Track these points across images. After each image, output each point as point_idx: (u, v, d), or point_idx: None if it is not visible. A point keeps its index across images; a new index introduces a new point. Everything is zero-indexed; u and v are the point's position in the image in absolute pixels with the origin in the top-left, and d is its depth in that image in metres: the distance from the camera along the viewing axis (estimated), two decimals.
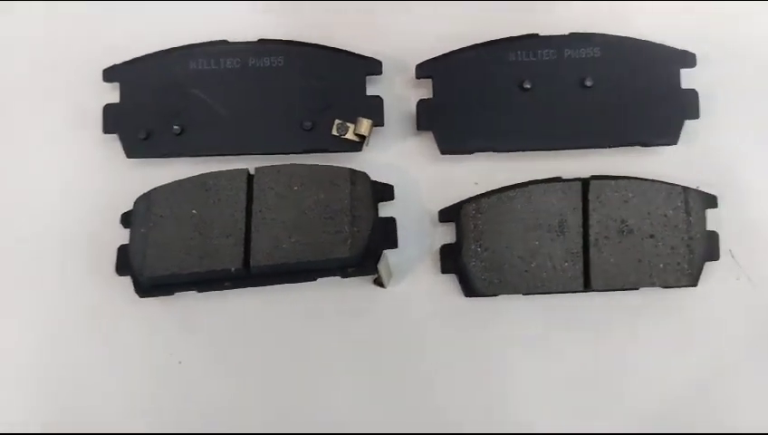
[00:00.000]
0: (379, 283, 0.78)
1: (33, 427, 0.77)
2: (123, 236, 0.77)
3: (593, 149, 0.80)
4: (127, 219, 0.78)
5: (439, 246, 0.79)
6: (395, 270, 0.78)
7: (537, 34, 0.80)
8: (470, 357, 0.78)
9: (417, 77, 0.80)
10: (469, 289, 0.77)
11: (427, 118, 0.80)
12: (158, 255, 0.74)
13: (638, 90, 0.79)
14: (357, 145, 0.79)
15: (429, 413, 0.77)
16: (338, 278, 0.75)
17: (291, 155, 0.80)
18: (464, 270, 0.76)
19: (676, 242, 0.75)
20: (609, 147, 0.80)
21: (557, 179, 0.77)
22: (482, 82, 0.79)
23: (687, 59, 0.79)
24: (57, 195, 0.82)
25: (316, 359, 0.78)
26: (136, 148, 0.80)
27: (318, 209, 0.73)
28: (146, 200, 0.76)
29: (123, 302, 0.78)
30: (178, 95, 0.80)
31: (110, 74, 0.81)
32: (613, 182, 0.76)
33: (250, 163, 0.77)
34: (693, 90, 0.79)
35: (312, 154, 0.80)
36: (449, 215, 0.79)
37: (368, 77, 0.80)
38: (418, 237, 0.80)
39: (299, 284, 0.75)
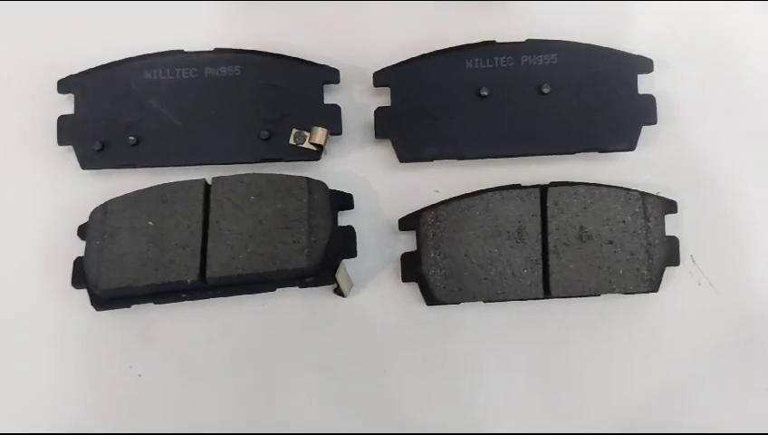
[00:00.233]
0: (339, 292, 0.77)
1: None
2: (80, 249, 0.76)
3: (553, 156, 0.80)
4: (84, 231, 0.77)
5: (400, 254, 0.78)
6: (356, 279, 0.78)
7: (494, 42, 0.80)
8: (432, 365, 0.77)
9: (375, 85, 0.80)
10: (430, 297, 0.76)
11: (386, 126, 0.80)
12: (112, 267, 0.73)
13: (596, 96, 0.79)
14: (315, 154, 0.79)
15: (392, 421, 0.76)
16: (298, 288, 0.75)
17: (248, 164, 0.79)
18: (424, 278, 0.76)
19: (635, 248, 0.75)
20: (568, 153, 0.80)
21: (516, 186, 0.77)
22: (439, 89, 0.79)
23: (644, 64, 0.80)
24: (12, 208, 0.80)
25: (277, 369, 0.77)
26: (91, 159, 0.79)
27: (275, 219, 0.73)
28: (102, 212, 0.75)
29: (80, 315, 0.77)
30: (134, 106, 0.79)
31: (65, 85, 0.81)
32: (571, 189, 0.76)
33: (207, 173, 0.77)
34: (650, 95, 0.79)
35: (270, 163, 0.80)
36: (409, 223, 0.78)
37: (325, 86, 0.80)
38: (379, 246, 0.79)
39: (259, 294, 0.75)
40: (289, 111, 0.79)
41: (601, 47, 0.80)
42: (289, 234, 0.72)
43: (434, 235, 0.76)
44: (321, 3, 0.85)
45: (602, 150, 0.79)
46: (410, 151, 0.79)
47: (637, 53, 0.80)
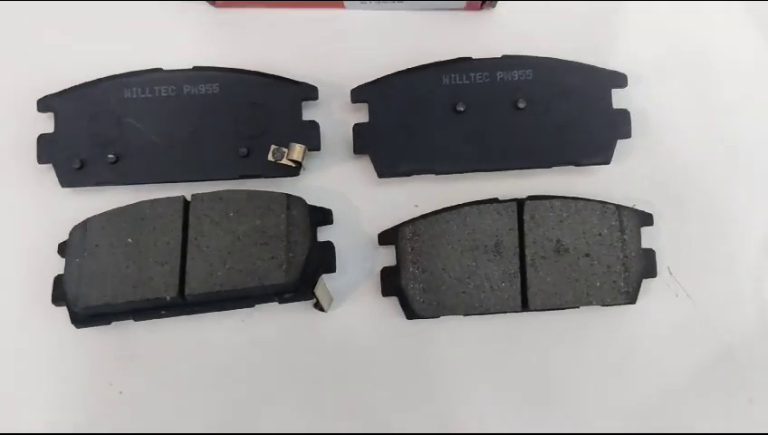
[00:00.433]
0: (319, 307, 0.78)
1: None
2: (61, 266, 0.76)
3: (530, 170, 0.81)
4: (64, 249, 0.77)
5: (380, 268, 0.79)
6: (336, 294, 0.78)
7: (470, 58, 0.81)
8: (412, 379, 0.78)
9: (353, 101, 0.81)
10: (409, 311, 0.77)
11: (364, 142, 0.80)
12: (92, 284, 0.73)
13: (571, 110, 0.80)
14: (294, 170, 0.79)
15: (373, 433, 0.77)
16: (277, 303, 0.75)
17: (227, 181, 0.80)
18: (403, 293, 0.76)
19: (611, 260, 0.75)
20: (544, 167, 0.80)
21: (493, 200, 0.78)
22: (417, 105, 0.80)
23: (619, 79, 0.81)
24: None
25: (258, 384, 0.77)
26: (70, 177, 0.80)
27: (253, 236, 0.73)
28: (81, 230, 0.76)
29: (61, 333, 0.77)
30: (113, 124, 0.80)
31: (44, 104, 0.81)
32: (548, 202, 0.76)
33: (186, 190, 0.77)
34: (624, 110, 0.80)
35: (249, 180, 0.80)
36: (389, 238, 0.79)
37: (304, 102, 0.81)
38: (359, 261, 0.80)
39: (239, 310, 0.75)
40: (268, 127, 0.80)
41: (576, 63, 0.81)
42: (267, 250, 0.73)
43: (412, 249, 0.76)
44: (299, 21, 0.85)
45: (578, 164, 0.80)
46: (388, 167, 0.80)
47: (611, 69, 0.81)
